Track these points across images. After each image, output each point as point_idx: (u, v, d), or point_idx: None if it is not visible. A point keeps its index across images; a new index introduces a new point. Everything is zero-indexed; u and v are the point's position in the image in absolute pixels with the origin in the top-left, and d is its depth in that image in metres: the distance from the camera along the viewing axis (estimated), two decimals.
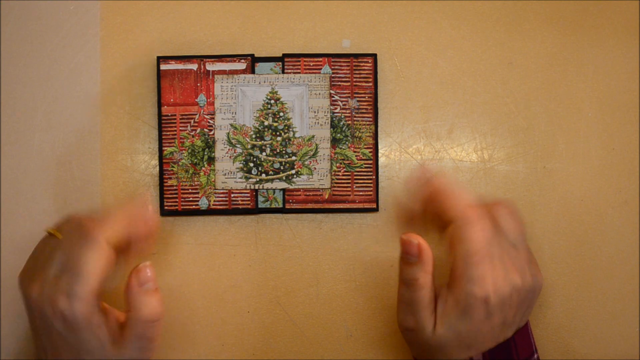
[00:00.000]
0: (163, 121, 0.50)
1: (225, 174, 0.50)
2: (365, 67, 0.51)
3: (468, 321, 0.41)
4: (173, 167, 0.50)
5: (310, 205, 0.50)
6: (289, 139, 0.50)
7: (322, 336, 0.51)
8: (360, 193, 0.50)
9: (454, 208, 0.41)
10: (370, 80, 0.51)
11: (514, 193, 0.51)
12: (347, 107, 0.51)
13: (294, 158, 0.50)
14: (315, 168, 0.50)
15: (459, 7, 0.52)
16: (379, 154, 0.51)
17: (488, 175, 0.52)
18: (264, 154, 0.50)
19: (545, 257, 0.51)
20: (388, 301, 0.51)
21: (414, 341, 0.43)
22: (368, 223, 0.51)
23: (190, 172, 0.50)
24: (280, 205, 0.50)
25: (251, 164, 0.50)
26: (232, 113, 0.50)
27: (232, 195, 0.50)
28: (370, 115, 0.51)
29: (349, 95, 0.51)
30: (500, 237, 0.42)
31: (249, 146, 0.50)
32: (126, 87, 0.51)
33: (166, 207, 0.50)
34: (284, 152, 0.50)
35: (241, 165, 0.50)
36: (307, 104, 0.50)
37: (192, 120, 0.50)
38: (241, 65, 0.51)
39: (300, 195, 0.50)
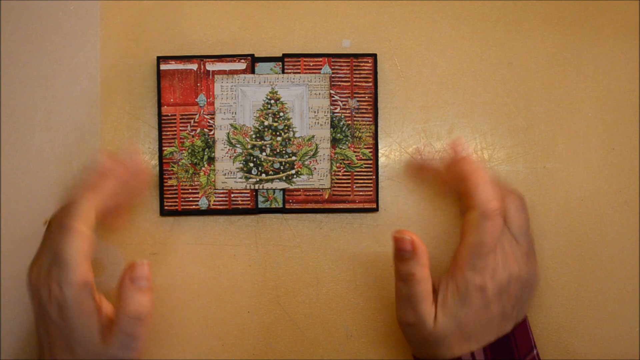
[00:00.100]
0: (163, 121, 0.50)
1: (225, 174, 0.50)
2: (365, 67, 0.51)
3: (468, 308, 0.42)
4: (173, 167, 0.50)
5: (310, 205, 0.50)
6: (289, 139, 0.50)
7: (322, 336, 0.51)
8: (360, 193, 0.50)
9: (479, 197, 0.42)
10: (370, 80, 0.51)
11: None
12: (347, 107, 0.51)
13: (294, 158, 0.50)
14: (315, 168, 0.50)
15: (459, 7, 0.52)
16: (379, 154, 0.51)
17: None
18: (264, 154, 0.50)
19: (545, 257, 0.51)
20: (388, 301, 0.51)
21: (414, 337, 0.43)
22: (368, 223, 0.51)
23: (190, 172, 0.50)
24: (280, 205, 0.50)
25: (251, 164, 0.50)
26: (232, 113, 0.50)
27: (232, 195, 0.50)
28: (370, 115, 0.51)
29: (349, 95, 0.51)
30: (504, 228, 0.43)
31: (249, 146, 0.50)
32: (126, 87, 0.51)
33: (166, 207, 0.50)
34: (284, 152, 0.50)
35: (241, 165, 0.50)
36: (307, 104, 0.50)
37: (192, 120, 0.50)
38: (241, 65, 0.51)
39: (300, 195, 0.50)
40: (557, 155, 0.51)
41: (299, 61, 0.51)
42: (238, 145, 0.50)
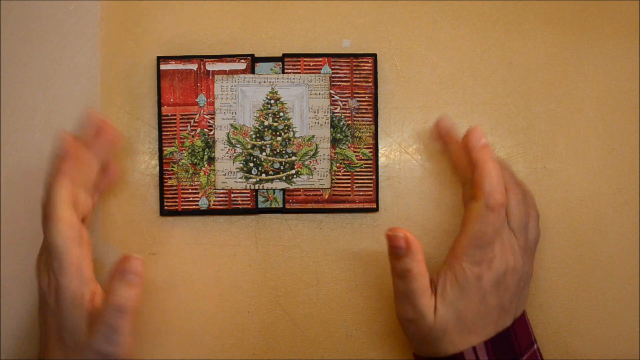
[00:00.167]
0: (163, 121, 0.50)
1: (225, 174, 0.50)
2: (365, 67, 0.51)
3: (466, 299, 0.42)
4: (173, 167, 0.50)
5: (310, 205, 0.50)
6: (289, 139, 0.50)
7: (322, 336, 0.51)
8: (360, 193, 0.50)
9: (486, 188, 0.42)
10: (370, 80, 0.51)
11: None
12: (347, 107, 0.51)
13: (294, 158, 0.50)
14: (315, 168, 0.50)
15: (459, 7, 0.52)
16: (379, 154, 0.51)
17: None
18: (264, 154, 0.50)
19: (546, 257, 0.51)
20: (388, 301, 0.51)
21: (415, 333, 0.44)
22: (368, 223, 0.51)
23: (190, 172, 0.50)
24: (280, 205, 0.50)
25: (251, 164, 0.50)
26: (232, 113, 0.50)
27: (232, 195, 0.50)
28: (370, 115, 0.51)
29: (349, 95, 0.51)
30: (504, 220, 0.43)
31: (249, 146, 0.50)
32: (126, 87, 0.51)
33: (166, 207, 0.50)
34: (284, 152, 0.50)
35: (241, 165, 0.50)
36: (307, 104, 0.50)
37: (192, 120, 0.50)
38: (241, 65, 0.51)
39: (300, 195, 0.50)
40: (557, 155, 0.51)
41: (299, 61, 0.51)
42: (238, 145, 0.50)
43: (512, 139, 0.51)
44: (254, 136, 0.50)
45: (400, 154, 0.52)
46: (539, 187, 0.51)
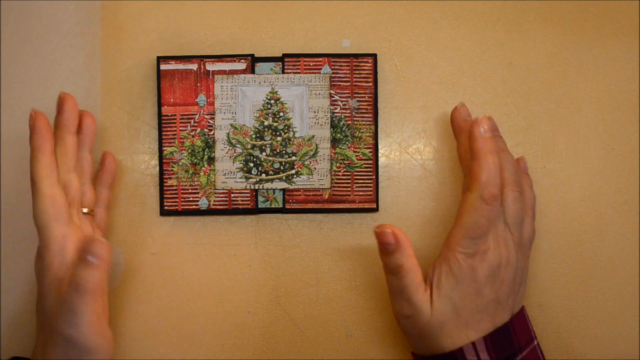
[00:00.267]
0: (163, 121, 0.50)
1: (225, 174, 0.50)
2: (365, 67, 0.51)
3: (461, 290, 0.42)
4: (173, 167, 0.50)
5: (310, 205, 0.50)
6: (289, 139, 0.50)
7: (322, 336, 0.51)
8: (360, 193, 0.50)
9: (481, 180, 0.43)
10: (370, 80, 0.51)
11: None
12: (347, 107, 0.51)
13: (294, 158, 0.50)
14: (315, 168, 0.50)
15: (459, 7, 0.52)
16: (379, 154, 0.51)
17: None
18: (264, 154, 0.50)
19: (545, 257, 0.51)
20: (388, 301, 0.51)
21: (413, 330, 0.44)
22: (368, 223, 0.51)
23: (190, 172, 0.50)
24: (280, 205, 0.50)
25: (251, 164, 0.50)
26: (232, 113, 0.50)
27: (232, 195, 0.50)
28: (370, 115, 0.51)
29: (349, 95, 0.51)
30: (500, 214, 0.43)
31: (249, 146, 0.50)
32: (126, 87, 0.51)
33: (166, 207, 0.50)
34: (284, 152, 0.50)
35: (241, 165, 0.50)
36: (307, 104, 0.50)
37: (192, 120, 0.50)
38: (241, 65, 0.51)
39: (300, 195, 0.50)
40: (557, 155, 0.51)
41: (299, 61, 0.51)
42: (238, 145, 0.50)
43: (512, 139, 0.51)
44: (254, 136, 0.50)
45: (400, 154, 0.52)
46: (539, 187, 0.51)
